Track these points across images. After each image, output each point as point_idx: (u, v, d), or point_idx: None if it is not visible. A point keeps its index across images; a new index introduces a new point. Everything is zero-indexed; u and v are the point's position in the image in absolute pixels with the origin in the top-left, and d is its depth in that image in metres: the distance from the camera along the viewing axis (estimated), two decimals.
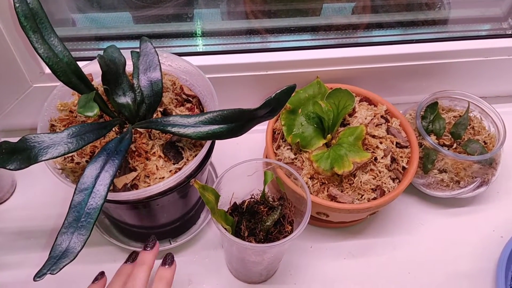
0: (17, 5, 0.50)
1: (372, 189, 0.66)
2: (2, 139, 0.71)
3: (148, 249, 0.58)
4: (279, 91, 0.53)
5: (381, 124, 0.72)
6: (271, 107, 0.53)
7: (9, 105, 0.75)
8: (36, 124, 0.59)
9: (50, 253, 0.46)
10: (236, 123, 0.54)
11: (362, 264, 0.72)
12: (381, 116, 0.73)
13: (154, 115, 0.60)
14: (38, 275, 0.45)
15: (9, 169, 0.46)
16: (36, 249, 0.70)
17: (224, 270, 0.70)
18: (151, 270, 0.57)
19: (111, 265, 0.69)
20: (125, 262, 0.59)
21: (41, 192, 0.75)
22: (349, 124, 0.72)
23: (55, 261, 0.46)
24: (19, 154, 0.47)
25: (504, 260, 0.69)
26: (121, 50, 0.60)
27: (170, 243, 0.70)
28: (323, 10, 0.84)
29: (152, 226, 0.67)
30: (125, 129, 0.57)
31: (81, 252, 0.46)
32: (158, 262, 0.59)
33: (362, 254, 0.73)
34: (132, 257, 0.59)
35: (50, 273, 0.45)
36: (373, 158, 0.68)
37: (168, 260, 0.58)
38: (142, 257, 0.57)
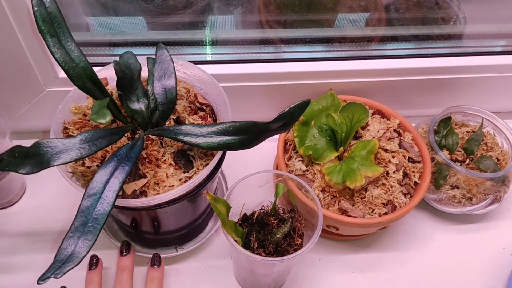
0: (35, 8, 0.50)
1: (383, 203, 0.66)
2: (14, 141, 0.72)
3: (125, 254, 0.62)
4: (293, 105, 0.53)
5: (393, 138, 0.71)
6: (284, 121, 0.53)
7: (22, 107, 0.75)
8: (48, 128, 0.58)
9: (55, 257, 0.46)
10: (248, 135, 0.53)
11: (370, 278, 0.71)
12: (394, 130, 0.73)
13: (167, 123, 0.60)
14: (42, 279, 0.45)
15: (21, 173, 0.46)
16: (44, 252, 0.70)
17: (231, 279, 0.69)
18: (133, 273, 0.61)
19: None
20: (89, 269, 0.61)
21: (51, 195, 0.75)
22: (361, 137, 0.71)
23: (60, 265, 0.45)
24: (32, 158, 0.46)
25: None
26: (136, 56, 0.60)
27: (177, 250, 0.70)
28: (337, 22, 0.84)
29: (159, 232, 0.67)
30: (137, 135, 0.57)
31: (87, 255, 0.46)
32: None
33: (371, 268, 0.72)
34: (94, 263, 0.61)
35: (54, 277, 0.45)
36: (385, 172, 0.67)
37: (155, 261, 0.62)
38: (121, 262, 0.61)
